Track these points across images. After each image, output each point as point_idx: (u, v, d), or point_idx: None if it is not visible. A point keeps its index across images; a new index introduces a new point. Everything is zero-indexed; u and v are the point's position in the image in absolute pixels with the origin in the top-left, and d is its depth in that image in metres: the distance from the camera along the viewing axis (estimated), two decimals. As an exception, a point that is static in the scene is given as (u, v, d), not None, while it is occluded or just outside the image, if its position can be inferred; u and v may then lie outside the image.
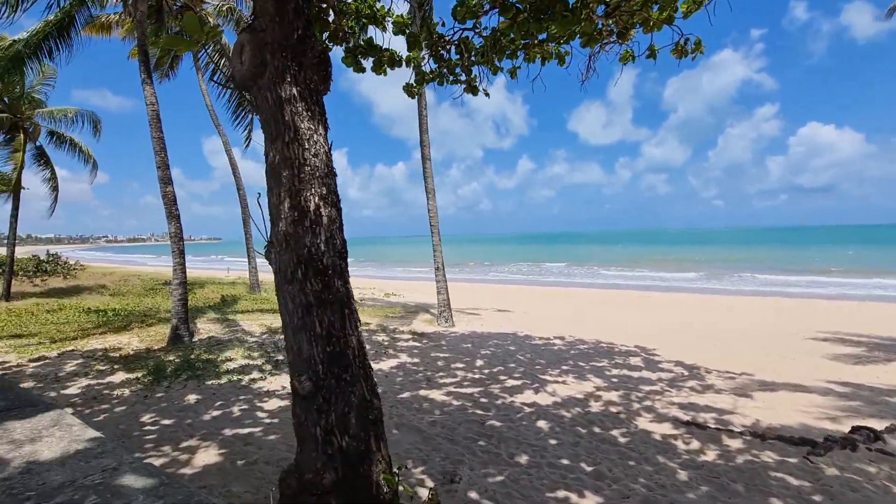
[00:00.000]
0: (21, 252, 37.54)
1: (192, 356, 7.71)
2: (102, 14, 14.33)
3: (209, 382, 6.55)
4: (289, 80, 2.74)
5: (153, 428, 5.11)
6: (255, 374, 6.93)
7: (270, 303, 13.94)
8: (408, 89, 5.37)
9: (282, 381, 6.67)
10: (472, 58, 5.05)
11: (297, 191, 2.68)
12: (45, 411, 1.86)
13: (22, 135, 15.42)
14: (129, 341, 8.66)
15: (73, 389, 6.24)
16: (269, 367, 7.27)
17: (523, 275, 35.40)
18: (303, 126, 2.75)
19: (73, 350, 8.03)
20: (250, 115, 10.79)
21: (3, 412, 1.82)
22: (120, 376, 6.78)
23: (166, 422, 5.26)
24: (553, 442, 4.89)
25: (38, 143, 16.43)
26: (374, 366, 7.68)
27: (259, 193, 2.93)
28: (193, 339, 8.70)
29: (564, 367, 7.86)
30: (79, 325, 10.22)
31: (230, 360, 7.61)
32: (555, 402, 6.16)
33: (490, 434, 5.08)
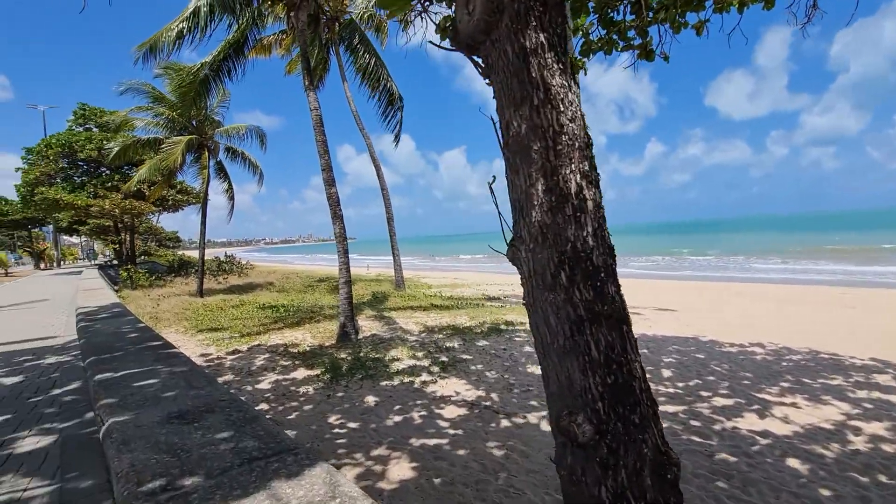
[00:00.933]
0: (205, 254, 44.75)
1: (361, 354, 7.80)
2: (264, 36, 15.84)
3: (383, 383, 6.44)
4: (533, 24, 2.11)
5: (341, 431, 5.02)
6: (425, 377, 6.68)
7: (418, 300, 14.11)
8: (572, 64, 4.56)
9: (454, 386, 6.31)
10: (651, 16, 4.07)
11: (552, 168, 2.03)
12: (308, 465, 1.44)
13: (206, 153, 17.84)
14: (304, 337, 9.17)
15: (264, 384, 6.58)
16: (436, 369, 7.00)
17: (663, 269, 31.91)
18: (554, 83, 2.10)
19: (258, 345, 8.71)
20: (399, 114, 10.86)
21: (260, 460, 1.45)
22: (302, 372, 7.04)
23: (352, 425, 5.16)
24: (826, 493, 3.68)
25: (218, 159, 18.93)
26: (544, 372, 6.99)
27: (493, 177, 2.36)
28: (359, 337, 8.90)
29: (784, 385, 6.32)
30: (258, 321, 11.26)
31: (397, 359, 7.53)
32: (795, 433, 4.82)
33: (727, 472, 4.02)
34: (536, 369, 7.00)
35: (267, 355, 8.01)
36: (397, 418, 5.34)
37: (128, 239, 30.83)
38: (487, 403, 5.75)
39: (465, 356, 7.74)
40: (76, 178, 26.43)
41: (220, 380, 6.85)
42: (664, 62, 3.97)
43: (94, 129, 26.52)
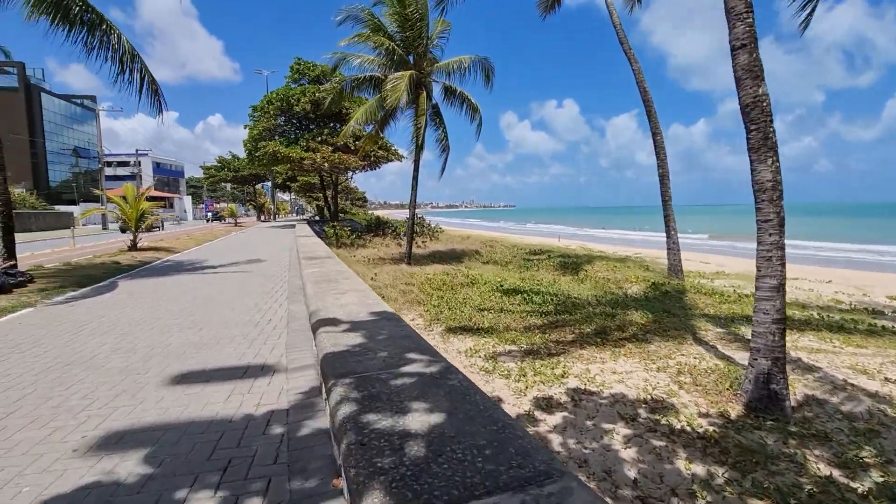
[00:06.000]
0: (387, 216, 45.39)
1: (874, 488, 3.23)
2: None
3: None
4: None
5: None
6: None
7: (744, 304, 8.89)
8: None
9: None
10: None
11: None
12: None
13: (424, 93, 14.86)
14: (664, 384, 4.92)
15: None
16: None
17: None
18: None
19: (587, 391, 4.74)
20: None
21: None
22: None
23: None
24: None
25: (433, 102, 15.93)
26: None
27: None
28: (791, 402, 4.35)
29: None
30: (521, 318, 7.53)
31: None
32: None
33: None
34: None
35: (623, 425, 3.99)
36: None
37: (331, 196, 31.34)
38: None
39: None
40: (290, 134, 26.94)
41: None
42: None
43: (307, 84, 26.49)
